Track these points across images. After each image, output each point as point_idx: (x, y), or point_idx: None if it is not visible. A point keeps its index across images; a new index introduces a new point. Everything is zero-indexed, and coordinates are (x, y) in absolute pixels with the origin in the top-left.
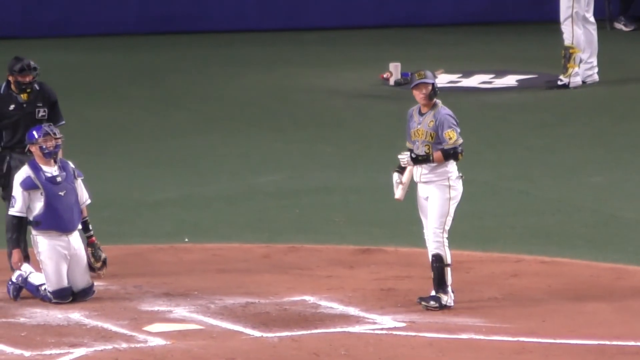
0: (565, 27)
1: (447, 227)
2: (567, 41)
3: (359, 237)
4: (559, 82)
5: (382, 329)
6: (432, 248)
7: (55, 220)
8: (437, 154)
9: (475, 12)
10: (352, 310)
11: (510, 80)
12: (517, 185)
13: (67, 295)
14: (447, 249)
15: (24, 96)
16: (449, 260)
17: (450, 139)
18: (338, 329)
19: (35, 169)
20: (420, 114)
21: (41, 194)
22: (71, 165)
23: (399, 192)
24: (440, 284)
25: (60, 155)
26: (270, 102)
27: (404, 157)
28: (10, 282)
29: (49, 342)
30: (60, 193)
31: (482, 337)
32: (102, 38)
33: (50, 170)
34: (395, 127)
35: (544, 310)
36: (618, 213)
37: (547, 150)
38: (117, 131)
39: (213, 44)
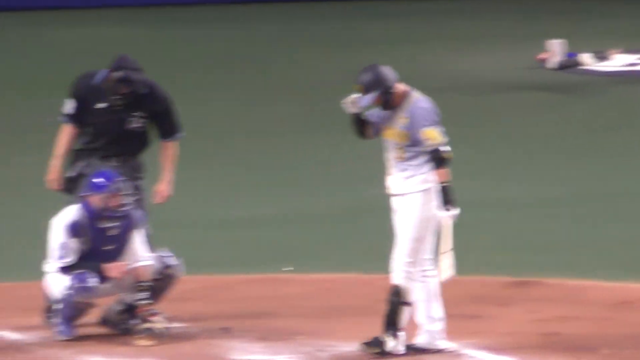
0: None
1: (420, 256)
2: None
3: (513, 266)
4: None
5: None
6: (394, 276)
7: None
8: (437, 172)
9: None
10: None
11: None
12: None
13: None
14: (412, 283)
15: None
16: (410, 297)
17: (428, 139)
18: None
19: (89, 213)
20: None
21: (83, 243)
22: (137, 211)
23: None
24: (389, 322)
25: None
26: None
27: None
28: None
29: None
30: (106, 248)
31: None
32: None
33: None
34: (561, 123)
35: None
36: None
37: None
38: (192, 128)
39: (317, 15)
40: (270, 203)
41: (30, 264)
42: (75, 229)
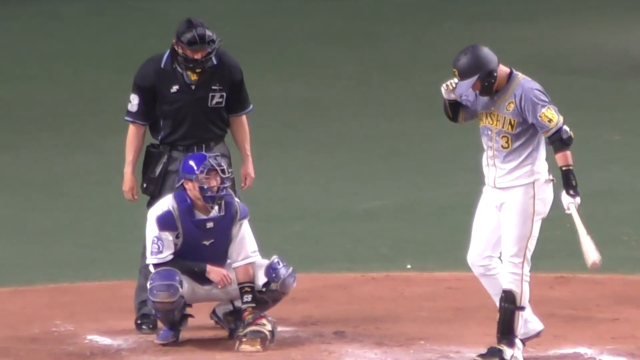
0: None
1: (529, 255)
2: None
3: None
4: None
5: None
6: (505, 281)
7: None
8: (560, 155)
9: None
10: None
11: None
12: None
13: (172, 290)
14: (525, 285)
15: (193, 76)
16: (524, 301)
17: (550, 120)
18: None
19: (183, 203)
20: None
21: (177, 237)
22: (237, 201)
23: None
24: (505, 331)
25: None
26: (534, 68)
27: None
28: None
29: None
30: (204, 242)
31: None
32: None
33: (203, 212)
34: None
35: None
36: None
37: None
38: (310, 110)
39: None
40: (391, 193)
41: (126, 262)
42: (165, 221)
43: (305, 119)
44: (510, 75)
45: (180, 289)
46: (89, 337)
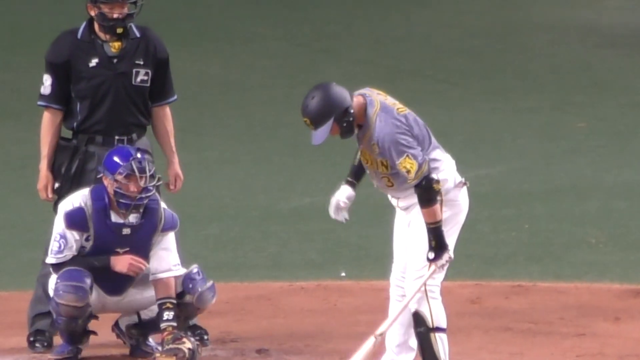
0: None
1: (437, 270)
2: None
3: (629, 270)
4: None
5: None
6: (411, 303)
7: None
8: (424, 211)
9: None
10: None
11: None
12: None
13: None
14: (434, 303)
15: (114, 46)
16: (438, 321)
17: (408, 171)
18: None
19: (99, 202)
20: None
21: (86, 239)
22: (163, 209)
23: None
24: (428, 358)
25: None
26: (484, 45)
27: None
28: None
29: None
30: (117, 249)
31: None
32: None
33: (121, 216)
34: None
35: None
36: None
37: None
38: (228, 93)
39: None
40: (322, 190)
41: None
42: (74, 219)
43: (223, 103)
44: (366, 108)
45: (89, 295)
46: None
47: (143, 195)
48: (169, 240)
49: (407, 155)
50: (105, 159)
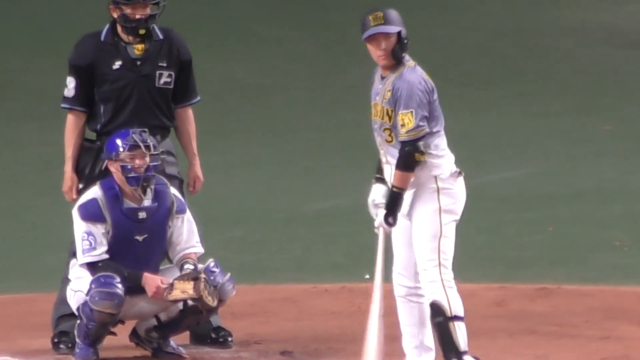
0: None
1: (445, 257)
2: None
3: None
4: None
5: None
6: (427, 294)
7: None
8: (396, 173)
9: None
10: None
11: None
12: None
13: (115, 299)
14: (451, 292)
15: (137, 48)
16: (456, 309)
17: (402, 125)
18: None
19: (110, 191)
20: (382, 77)
21: (106, 231)
22: (173, 192)
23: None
24: (448, 348)
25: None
26: (507, 46)
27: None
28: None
29: None
30: (137, 237)
31: None
32: None
33: (134, 200)
34: None
35: None
36: None
37: None
38: (253, 95)
39: None
40: (347, 192)
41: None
42: (88, 209)
43: (247, 105)
44: (401, 60)
45: (123, 302)
46: None
47: (151, 165)
48: (189, 221)
49: (411, 112)
50: (106, 146)
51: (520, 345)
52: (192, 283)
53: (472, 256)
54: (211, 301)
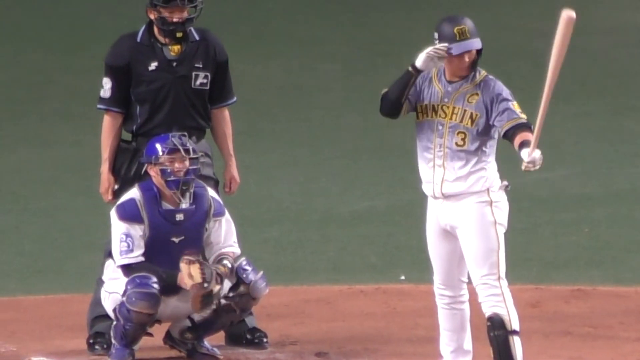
0: None
1: (503, 270)
2: None
3: None
4: None
5: None
6: (486, 307)
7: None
8: (522, 135)
9: None
10: None
11: None
12: None
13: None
14: (511, 306)
15: (173, 49)
16: (515, 324)
17: (521, 111)
18: None
19: (148, 192)
20: (449, 81)
21: (143, 233)
22: (211, 194)
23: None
24: None
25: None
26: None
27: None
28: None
29: None
30: (173, 239)
31: None
32: None
33: (172, 203)
34: None
35: None
36: None
37: None
38: (289, 96)
39: None
40: (382, 193)
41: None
42: (126, 209)
43: (284, 106)
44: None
45: (160, 302)
46: (34, 358)
47: (190, 168)
48: (228, 221)
49: (516, 102)
50: (146, 150)
51: (555, 346)
52: (197, 264)
53: (508, 257)
54: (214, 285)
